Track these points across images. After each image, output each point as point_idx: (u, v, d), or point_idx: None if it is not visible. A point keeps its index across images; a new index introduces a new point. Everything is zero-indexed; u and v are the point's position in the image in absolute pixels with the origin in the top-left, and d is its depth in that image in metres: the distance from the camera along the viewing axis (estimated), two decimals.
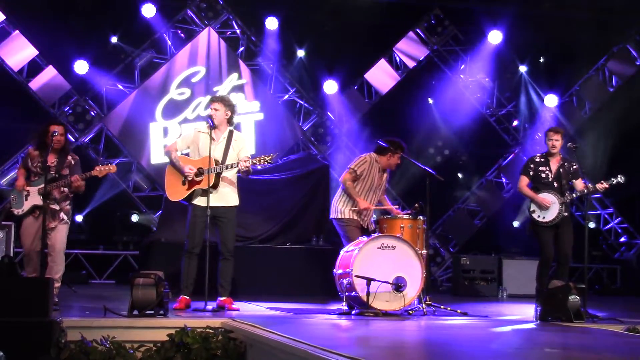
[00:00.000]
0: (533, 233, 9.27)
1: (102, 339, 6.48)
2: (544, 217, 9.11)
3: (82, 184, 8.25)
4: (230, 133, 8.36)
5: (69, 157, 8.42)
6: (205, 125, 8.38)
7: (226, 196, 8.26)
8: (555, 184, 9.17)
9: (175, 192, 8.36)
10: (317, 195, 12.02)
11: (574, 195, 9.12)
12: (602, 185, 9.03)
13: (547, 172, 9.21)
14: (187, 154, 8.50)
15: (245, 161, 8.11)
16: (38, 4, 13.33)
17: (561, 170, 9.19)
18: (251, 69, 14.62)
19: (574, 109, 15.67)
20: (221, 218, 8.19)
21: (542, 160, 9.30)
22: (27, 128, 11.30)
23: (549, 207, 9.06)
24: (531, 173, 9.28)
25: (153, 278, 7.28)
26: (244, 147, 8.42)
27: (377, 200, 9.04)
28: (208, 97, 13.80)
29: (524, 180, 9.33)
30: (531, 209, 9.19)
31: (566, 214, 9.12)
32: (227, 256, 8.28)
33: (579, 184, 9.13)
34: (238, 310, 8.13)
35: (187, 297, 8.16)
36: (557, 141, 9.17)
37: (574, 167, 9.24)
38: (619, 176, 9.03)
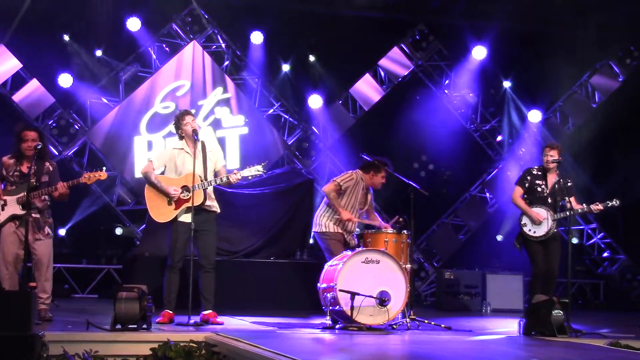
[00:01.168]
0: (523, 247, 9.26)
1: (85, 353, 6.43)
2: (534, 232, 9.11)
3: (68, 192, 8.17)
4: (203, 145, 8.28)
5: (47, 164, 8.31)
6: (179, 142, 8.33)
7: (207, 208, 8.23)
8: (550, 200, 9.16)
9: (161, 213, 8.19)
10: (302, 209, 12.01)
11: (567, 213, 9.11)
12: (597, 207, 9.05)
13: (543, 186, 9.19)
14: (162, 173, 8.33)
15: (235, 174, 8.10)
16: (22, 16, 13.28)
17: (557, 186, 9.16)
18: (236, 83, 14.62)
19: (558, 124, 15.77)
20: (203, 230, 8.12)
21: (539, 173, 9.28)
22: (9, 141, 11.21)
23: (541, 223, 9.08)
24: (527, 185, 9.24)
25: (136, 292, 7.23)
26: (220, 158, 8.40)
27: (360, 215, 9.07)
28: (193, 111, 13.84)
29: (518, 191, 9.28)
30: (522, 222, 9.18)
31: (556, 230, 9.15)
32: (209, 269, 8.21)
33: (573, 201, 9.04)
34: (222, 324, 8.09)
35: (171, 312, 8.11)
36: (552, 157, 9.16)
37: (569, 184, 9.22)
38: (615, 200, 9.08)
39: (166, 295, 8.16)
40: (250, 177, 8.25)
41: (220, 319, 8.21)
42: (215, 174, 8.25)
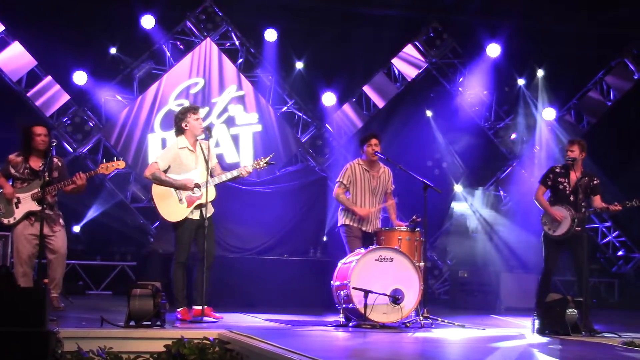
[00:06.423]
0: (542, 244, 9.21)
1: (99, 349, 6.47)
2: (554, 231, 8.97)
3: (85, 183, 8.23)
4: (200, 144, 8.34)
5: (55, 159, 8.34)
6: (182, 141, 8.32)
7: (209, 206, 8.26)
8: (572, 198, 8.90)
9: (174, 212, 8.18)
10: (315, 207, 12.03)
11: (591, 210, 9.03)
12: (615, 207, 8.84)
13: (565, 184, 8.96)
14: (165, 172, 8.25)
15: (244, 167, 8.12)
16: (37, 14, 13.33)
17: (580, 183, 8.88)
18: (250, 80, 14.63)
19: (572, 122, 15.70)
20: (207, 227, 8.12)
21: (562, 171, 9.05)
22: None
23: (561, 222, 8.93)
24: (549, 183, 9.05)
25: (150, 289, 7.26)
26: (213, 155, 8.41)
27: (379, 201, 9.07)
28: (207, 109, 13.88)
29: (541, 190, 9.12)
30: (543, 221, 9.08)
31: (578, 228, 8.84)
32: (209, 265, 8.18)
33: (597, 200, 8.93)
34: (222, 318, 8.11)
35: (186, 308, 8.11)
36: (571, 152, 8.91)
37: (595, 182, 8.99)
38: (635, 200, 8.85)
39: (177, 292, 8.14)
40: (259, 169, 8.25)
41: (219, 314, 8.26)
42: (211, 172, 8.23)
